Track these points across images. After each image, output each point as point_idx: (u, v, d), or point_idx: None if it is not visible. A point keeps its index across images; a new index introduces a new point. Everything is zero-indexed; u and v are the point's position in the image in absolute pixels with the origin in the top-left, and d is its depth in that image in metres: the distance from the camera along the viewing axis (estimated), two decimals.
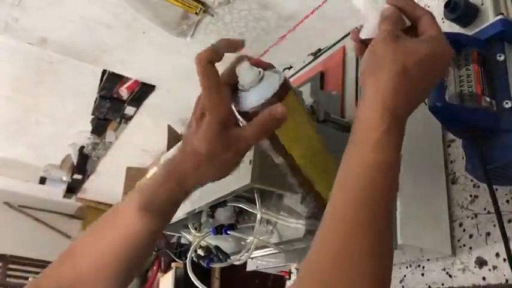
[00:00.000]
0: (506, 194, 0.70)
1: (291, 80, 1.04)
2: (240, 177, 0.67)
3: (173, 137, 2.69)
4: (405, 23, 0.53)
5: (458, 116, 0.60)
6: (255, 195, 0.72)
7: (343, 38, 0.89)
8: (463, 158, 0.79)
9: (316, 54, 1.01)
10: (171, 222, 0.93)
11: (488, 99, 0.59)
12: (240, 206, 0.77)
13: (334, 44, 0.91)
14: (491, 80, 0.61)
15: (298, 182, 0.60)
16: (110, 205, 3.31)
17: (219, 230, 0.79)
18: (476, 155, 0.61)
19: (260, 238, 0.75)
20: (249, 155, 0.66)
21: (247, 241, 0.77)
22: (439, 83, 0.60)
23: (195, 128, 0.52)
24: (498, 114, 0.59)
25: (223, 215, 0.86)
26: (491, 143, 0.60)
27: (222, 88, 0.51)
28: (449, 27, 0.70)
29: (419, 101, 0.50)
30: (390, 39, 0.49)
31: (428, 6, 0.91)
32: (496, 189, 0.67)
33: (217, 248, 0.83)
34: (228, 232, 0.78)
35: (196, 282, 0.76)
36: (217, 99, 0.50)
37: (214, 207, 0.82)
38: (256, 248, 0.79)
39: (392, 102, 0.47)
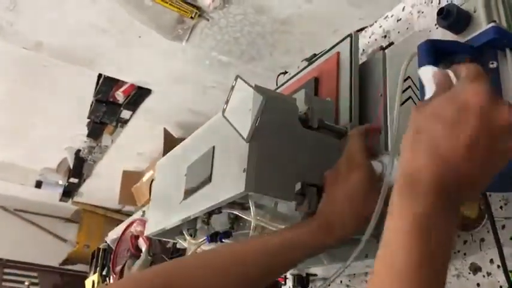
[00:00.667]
0: (499, 200, 0.71)
1: (286, 86, 1.04)
2: (234, 185, 0.67)
3: (169, 141, 2.68)
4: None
5: None
6: (250, 202, 0.72)
7: (338, 43, 0.89)
8: None
9: (311, 59, 1.01)
10: (166, 229, 0.93)
11: None
12: (235, 213, 0.77)
13: (329, 50, 0.91)
14: None
15: None
16: (107, 209, 3.29)
17: (214, 237, 0.79)
18: None
19: None
20: (243, 163, 0.66)
21: None
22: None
23: (344, 181, 0.66)
24: None
25: (218, 222, 0.86)
26: None
27: None
28: (442, 34, 0.70)
29: (460, 159, 0.41)
30: (414, 109, 0.47)
31: (422, 12, 0.91)
32: (490, 195, 0.68)
33: None
34: (223, 240, 0.78)
35: None
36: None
37: (209, 214, 0.82)
38: None
39: (404, 167, 0.43)
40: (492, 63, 0.61)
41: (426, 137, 0.42)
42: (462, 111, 0.41)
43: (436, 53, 0.62)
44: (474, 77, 0.45)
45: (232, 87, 0.74)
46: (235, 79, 0.73)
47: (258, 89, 0.68)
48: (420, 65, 0.61)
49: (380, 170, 0.67)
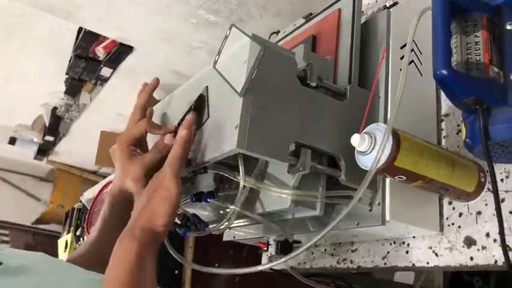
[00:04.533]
0: (500, 173, 0.68)
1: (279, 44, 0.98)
2: (226, 142, 0.62)
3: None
4: None
5: (463, 85, 0.56)
6: (239, 161, 0.67)
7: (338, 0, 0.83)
8: (457, 133, 0.76)
9: (308, 18, 0.96)
10: None
11: (496, 69, 0.55)
12: (222, 173, 0.73)
13: (329, 7, 0.86)
14: (500, 50, 0.57)
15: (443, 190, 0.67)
16: (83, 169, 3.20)
17: (198, 197, 0.74)
18: (477, 129, 0.57)
19: (241, 208, 0.70)
20: (235, 120, 0.61)
21: (228, 210, 0.72)
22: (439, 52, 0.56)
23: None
24: (505, 86, 0.56)
25: (203, 182, 0.81)
26: (494, 116, 0.56)
27: None
28: None
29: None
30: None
31: None
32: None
33: (194, 216, 0.78)
34: (208, 200, 0.74)
35: (171, 251, 0.71)
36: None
37: (193, 173, 0.77)
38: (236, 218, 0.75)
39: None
40: (510, 24, 0.57)
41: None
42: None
43: (451, 9, 0.57)
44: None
45: (226, 37, 0.68)
46: (230, 28, 0.67)
47: (255, 38, 0.62)
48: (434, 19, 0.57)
49: (366, 143, 0.59)
